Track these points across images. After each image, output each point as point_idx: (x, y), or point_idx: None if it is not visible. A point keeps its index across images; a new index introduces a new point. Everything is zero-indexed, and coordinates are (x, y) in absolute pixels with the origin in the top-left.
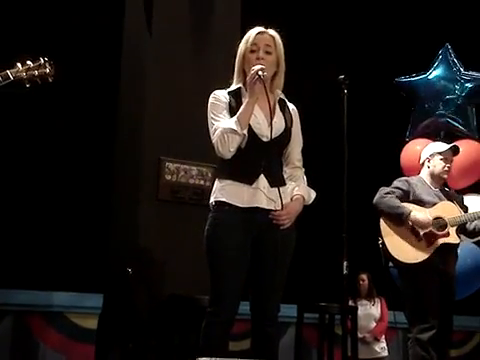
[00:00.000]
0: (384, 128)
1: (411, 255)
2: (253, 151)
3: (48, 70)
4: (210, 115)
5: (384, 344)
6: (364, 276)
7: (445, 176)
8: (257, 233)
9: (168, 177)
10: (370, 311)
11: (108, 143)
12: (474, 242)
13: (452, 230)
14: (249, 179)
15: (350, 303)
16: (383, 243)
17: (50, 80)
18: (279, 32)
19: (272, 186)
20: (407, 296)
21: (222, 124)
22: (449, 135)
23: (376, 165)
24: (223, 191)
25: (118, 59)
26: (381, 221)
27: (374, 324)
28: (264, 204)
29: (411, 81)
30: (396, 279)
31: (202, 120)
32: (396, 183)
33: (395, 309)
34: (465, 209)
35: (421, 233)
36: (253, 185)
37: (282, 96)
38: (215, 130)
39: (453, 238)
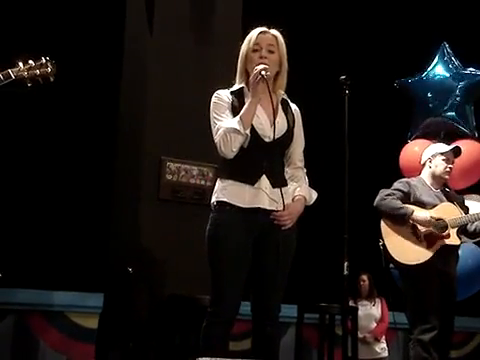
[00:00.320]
0: (385, 129)
1: (412, 256)
2: (255, 151)
3: (50, 69)
4: (213, 115)
5: (384, 344)
6: (365, 277)
7: (446, 177)
8: (258, 233)
9: (169, 177)
10: (370, 311)
11: (109, 143)
12: (475, 242)
13: (453, 231)
14: (251, 179)
15: (350, 303)
16: (384, 244)
17: (51, 79)
18: (281, 32)
19: (274, 187)
20: (408, 297)
21: (225, 124)
22: (449, 135)
23: (377, 166)
24: (225, 191)
25: (119, 59)
26: (382, 222)
27: (374, 324)
28: (266, 204)
29: (410, 82)
30: (397, 280)
31: (203, 120)
32: (396, 185)
33: (395, 310)
34: (466, 210)
35: (422, 234)
36: (255, 185)
37: (284, 96)
38: (218, 130)
39: (454, 239)
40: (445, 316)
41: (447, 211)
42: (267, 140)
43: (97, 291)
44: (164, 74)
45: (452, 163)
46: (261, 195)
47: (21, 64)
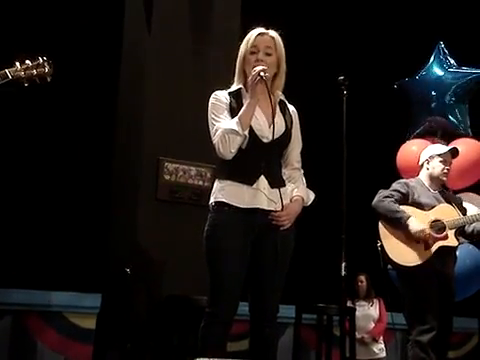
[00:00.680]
0: (383, 129)
1: (410, 258)
2: (253, 152)
3: (47, 69)
4: (211, 116)
5: (382, 345)
6: (362, 277)
7: (444, 178)
8: (257, 234)
9: (167, 177)
10: (368, 312)
11: (107, 143)
12: (472, 243)
13: (451, 233)
14: (249, 180)
15: (348, 304)
16: (382, 246)
17: (49, 79)
18: (279, 32)
19: (272, 187)
20: (406, 298)
21: (223, 125)
22: (446, 134)
23: (375, 166)
24: (223, 192)
25: (118, 59)
26: (380, 224)
27: (372, 325)
28: (264, 205)
29: (406, 82)
30: (394, 281)
31: (201, 120)
32: (395, 186)
33: (393, 310)
34: (464, 211)
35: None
36: (253, 186)
37: (282, 97)
38: (216, 131)
39: (452, 241)
40: (443, 317)
41: (445, 212)
42: (265, 141)
43: (95, 291)
44: (162, 74)
45: (449, 164)
46: (259, 195)
47: (18, 64)
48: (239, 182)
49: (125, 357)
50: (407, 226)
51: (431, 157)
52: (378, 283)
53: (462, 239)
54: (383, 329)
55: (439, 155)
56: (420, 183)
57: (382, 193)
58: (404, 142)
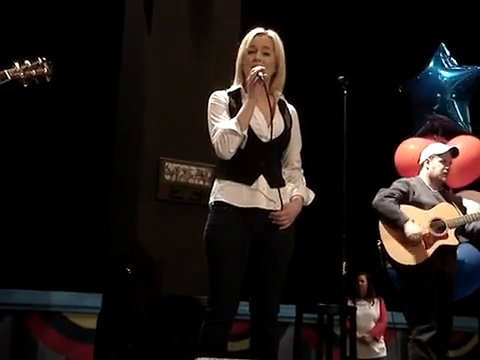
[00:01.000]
0: (383, 128)
1: (410, 257)
2: (252, 152)
3: (46, 70)
4: (210, 116)
5: (383, 344)
6: (363, 276)
7: (443, 178)
8: (256, 233)
9: (167, 177)
10: (369, 311)
11: (107, 143)
12: (471, 242)
13: (451, 232)
14: (248, 180)
15: (349, 303)
16: (382, 245)
17: (48, 80)
18: (279, 32)
19: (272, 187)
20: (406, 298)
21: (222, 125)
22: (447, 132)
23: (375, 166)
24: (222, 191)
25: (118, 59)
26: (380, 223)
27: (373, 324)
28: (264, 205)
29: (408, 83)
30: (394, 280)
31: (202, 120)
32: (396, 184)
33: (393, 310)
34: (464, 210)
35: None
36: (252, 186)
37: (282, 97)
38: (215, 131)
39: (452, 240)
40: (443, 316)
41: (445, 211)
42: (264, 140)
43: (95, 291)
44: (162, 74)
45: (449, 164)
46: (258, 195)
47: (17, 65)
48: (238, 182)
49: (126, 357)
50: (403, 229)
51: (431, 157)
52: (378, 282)
53: (462, 238)
54: (384, 328)
55: (439, 155)
56: (420, 182)
57: (383, 192)
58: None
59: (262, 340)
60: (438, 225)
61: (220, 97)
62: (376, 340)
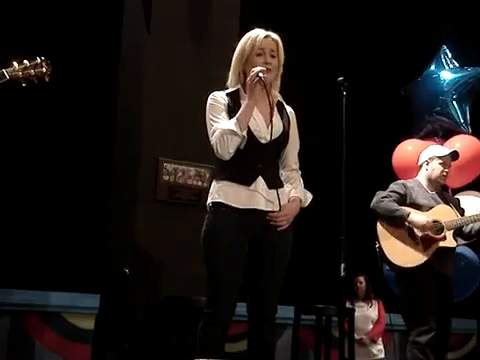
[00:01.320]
0: (382, 130)
1: (408, 259)
2: (251, 153)
3: (45, 69)
4: (209, 116)
5: (381, 346)
6: (362, 278)
7: (442, 181)
8: (254, 234)
9: (166, 178)
10: (367, 313)
11: (106, 143)
12: (468, 244)
13: (449, 233)
14: (247, 180)
15: (347, 305)
16: (380, 247)
17: (47, 79)
18: (278, 33)
19: (270, 188)
20: (405, 299)
21: (221, 125)
22: (447, 133)
23: (375, 167)
24: (221, 192)
25: (116, 59)
26: (378, 225)
27: (371, 326)
28: (262, 206)
29: (410, 86)
30: (392, 282)
31: (200, 121)
32: (393, 186)
33: (391, 312)
34: (461, 212)
35: (418, 236)
36: (251, 187)
37: (280, 98)
38: (214, 131)
39: (450, 242)
40: (441, 318)
41: (443, 213)
42: (263, 141)
43: (93, 292)
44: (161, 75)
45: (449, 167)
46: (257, 196)
47: (16, 64)
48: (236, 183)
49: (124, 357)
50: (410, 222)
51: (431, 158)
52: (377, 284)
53: (460, 240)
54: (382, 330)
55: (439, 157)
56: (418, 184)
57: (380, 194)
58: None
59: (260, 341)
60: (436, 227)
61: (219, 98)
62: (374, 342)
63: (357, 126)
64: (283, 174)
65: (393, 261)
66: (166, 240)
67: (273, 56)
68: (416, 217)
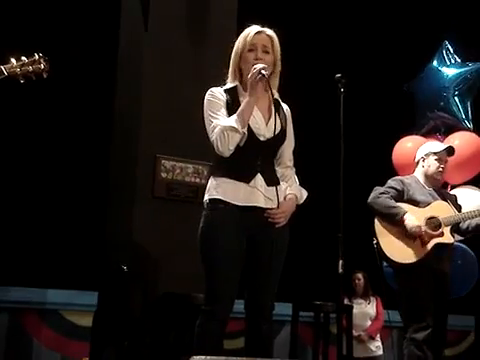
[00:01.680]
0: (381, 127)
1: (405, 255)
2: (250, 150)
3: (42, 66)
4: (208, 112)
5: (379, 343)
6: (360, 275)
7: (439, 177)
8: (252, 232)
9: (164, 175)
10: (366, 310)
11: (104, 140)
12: (463, 241)
13: (446, 230)
14: (246, 177)
15: (345, 302)
16: (377, 243)
17: (44, 76)
18: (276, 30)
19: (269, 185)
20: (402, 296)
21: (222, 122)
22: (448, 129)
23: (373, 164)
24: (219, 189)
25: (114, 57)
26: (375, 221)
27: (369, 323)
28: (261, 203)
29: (412, 82)
30: (390, 278)
31: (198, 118)
32: (390, 182)
33: (389, 308)
34: (459, 208)
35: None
36: (250, 184)
37: (277, 96)
38: (214, 128)
39: (447, 238)
40: (438, 314)
41: (440, 209)
42: (262, 139)
43: (91, 289)
44: (159, 72)
45: (445, 163)
46: (256, 193)
47: (14, 61)
48: (235, 180)
49: (122, 355)
50: (403, 222)
51: (427, 155)
52: (375, 281)
53: (457, 236)
54: (380, 327)
55: (435, 153)
56: (415, 180)
57: (377, 190)
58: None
59: (257, 338)
60: (433, 223)
61: (217, 94)
62: (372, 338)
63: (356, 123)
64: (278, 171)
65: (391, 257)
66: (164, 237)
67: (267, 52)
68: (410, 219)
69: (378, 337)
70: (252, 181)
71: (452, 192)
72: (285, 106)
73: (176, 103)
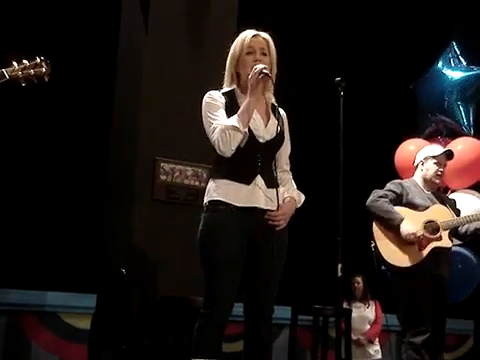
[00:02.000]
0: (380, 131)
1: (404, 259)
2: (250, 152)
3: (44, 69)
4: (207, 114)
5: (378, 347)
6: (359, 278)
7: (437, 181)
8: (253, 234)
9: (163, 177)
10: (364, 313)
11: (103, 143)
12: (463, 245)
13: (445, 234)
14: (247, 179)
15: (344, 305)
16: (375, 246)
17: (46, 79)
18: (274, 33)
19: (269, 187)
20: (400, 300)
21: (222, 122)
22: (450, 132)
23: (372, 168)
24: (219, 190)
25: (114, 58)
26: (373, 224)
27: (368, 327)
28: (262, 204)
29: (418, 82)
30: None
31: (198, 120)
32: (389, 186)
33: (388, 312)
34: (457, 212)
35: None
36: (250, 185)
37: (273, 100)
38: (214, 128)
39: (445, 242)
40: (437, 318)
41: (439, 213)
42: (261, 141)
43: (90, 292)
44: (159, 74)
45: (444, 167)
46: (257, 194)
47: (15, 64)
48: (236, 181)
49: (120, 358)
50: (399, 228)
51: (426, 158)
52: (373, 285)
53: (455, 240)
54: (379, 331)
55: (433, 157)
56: (414, 184)
57: (376, 193)
58: (400, 143)
59: (256, 341)
60: (432, 227)
61: (216, 96)
62: (371, 342)
63: (356, 126)
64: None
65: (388, 261)
66: (163, 240)
67: (264, 54)
68: (406, 226)
69: (377, 341)
70: (252, 182)
71: (451, 196)
72: (281, 111)
73: (175, 105)
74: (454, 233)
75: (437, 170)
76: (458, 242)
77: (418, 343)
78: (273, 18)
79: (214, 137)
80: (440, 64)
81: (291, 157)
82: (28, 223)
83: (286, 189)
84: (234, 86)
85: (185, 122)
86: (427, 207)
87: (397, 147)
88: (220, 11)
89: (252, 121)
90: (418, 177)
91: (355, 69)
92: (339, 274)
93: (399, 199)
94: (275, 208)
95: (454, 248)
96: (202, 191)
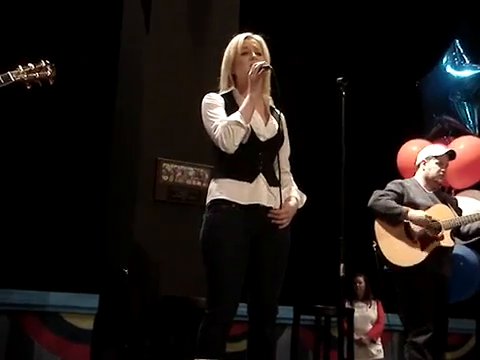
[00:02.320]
0: (382, 130)
1: (406, 258)
2: (252, 150)
3: (49, 73)
4: (207, 113)
5: (380, 346)
6: (361, 278)
7: (439, 180)
8: (256, 233)
9: (165, 178)
10: (367, 313)
11: (105, 143)
12: (467, 244)
13: (446, 233)
14: (249, 177)
15: (347, 305)
16: (377, 246)
17: (51, 82)
18: (277, 32)
19: (271, 185)
20: (402, 299)
21: (225, 118)
22: (455, 132)
23: (374, 168)
24: (222, 189)
25: (116, 58)
26: (375, 224)
27: (370, 326)
28: (265, 201)
29: (422, 80)
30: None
31: (200, 121)
32: (390, 186)
33: (390, 312)
34: (459, 212)
35: (416, 235)
36: (253, 183)
37: (271, 102)
38: (216, 126)
39: (447, 241)
40: (439, 318)
41: (441, 213)
42: (262, 139)
43: (92, 292)
44: (161, 74)
45: (446, 167)
46: (260, 191)
47: (21, 67)
48: (238, 180)
49: (122, 357)
50: (408, 218)
51: (428, 158)
52: (376, 284)
53: (457, 240)
54: (381, 330)
55: (436, 157)
56: (415, 183)
57: (377, 193)
58: (402, 143)
59: (260, 341)
60: (434, 226)
61: (215, 97)
62: (373, 342)
63: (359, 126)
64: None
65: (390, 260)
66: (165, 240)
67: (259, 54)
68: (415, 212)
69: (379, 341)
70: (255, 180)
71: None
72: (279, 112)
73: (177, 105)
74: (456, 233)
75: (439, 170)
76: (461, 242)
77: (420, 343)
78: (275, 17)
79: (217, 134)
80: (444, 63)
81: (293, 157)
82: (30, 224)
83: (287, 190)
84: (232, 87)
85: (187, 122)
86: (428, 207)
87: (399, 147)
88: (222, 11)
89: (252, 120)
90: (420, 177)
91: (357, 68)
92: (341, 274)
93: (400, 199)
94: (278, 206)
95: (456, 248)
96: (204, 191)
